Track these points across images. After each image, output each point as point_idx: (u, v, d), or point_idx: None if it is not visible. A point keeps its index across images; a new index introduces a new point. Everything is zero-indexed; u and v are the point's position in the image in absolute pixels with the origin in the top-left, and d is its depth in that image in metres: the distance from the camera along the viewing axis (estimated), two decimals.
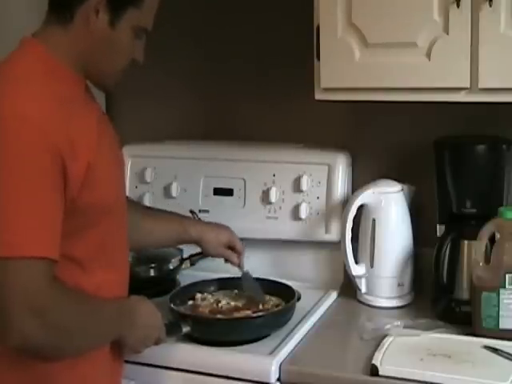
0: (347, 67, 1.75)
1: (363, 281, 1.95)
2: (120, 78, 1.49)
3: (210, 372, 1.63)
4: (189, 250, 2.06)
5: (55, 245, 1.31)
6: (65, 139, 1.32)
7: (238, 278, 1.91)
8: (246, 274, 1.88)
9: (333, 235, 2.02)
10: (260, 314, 1.76)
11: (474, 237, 1.72)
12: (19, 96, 1.32)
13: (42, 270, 1.29)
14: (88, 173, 1.36)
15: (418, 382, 1.50)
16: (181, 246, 2.02)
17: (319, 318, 1.86)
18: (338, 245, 1.96)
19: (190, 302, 1.86)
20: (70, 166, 1.32)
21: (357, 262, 1.94)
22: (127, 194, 2.13)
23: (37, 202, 1.29)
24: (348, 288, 2.00)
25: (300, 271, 2.07)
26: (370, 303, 1.94)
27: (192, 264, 2.06)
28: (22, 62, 1.39)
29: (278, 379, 1.61)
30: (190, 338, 1.69)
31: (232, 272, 2.03)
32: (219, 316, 1.77)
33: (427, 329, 1.72)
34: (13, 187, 1.28)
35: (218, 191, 2.13)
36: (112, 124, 1.56)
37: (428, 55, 1.68)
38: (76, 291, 1.39)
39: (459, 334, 1.70)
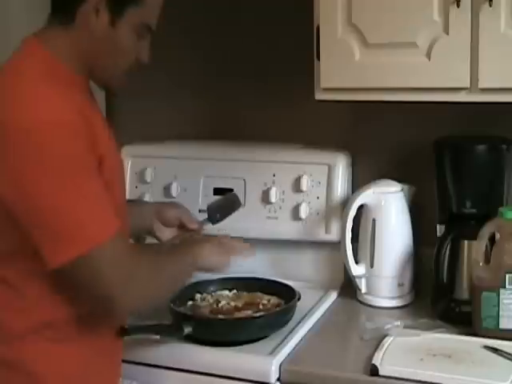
0: (347, 67, 1.75)
1: (363, 281, 1.95)
2: (125, 80, 1.48)
3: (210, 372, 1.63)
4: None
5: (115, 219, 1.36)
6: (92, 138, 1.35)
7: (238, 279, 1.92)
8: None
9: (333, 235, 2.02)
10: (260, 314, 1.76)
11: (473, 237, 1.72)
12: (39, 100, 1.31)
13: (117, 245, 1.34)
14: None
15: (418, 381, 1.50)
16: None
17: (319, 318, 1.86)
18: (338, 245, 1.96)
19: (190, 303, 1.86)
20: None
21: (357, 262, 1.94)
22: (127, 194, 2.14)
23: (91, 192, 1.33)
24: (348, 288, 2.00)
25: (300, 271, 2.07)
26: (370, 303, 1.94)
27: None
28: (27, 65, 1.38)
29: (278, 379, 1.61)
30: (191, 339, 1.69)
31: (231, 272, 2.03)
32: (220, 316, 1.77)
33: (427, 329, 1.72)
34: (60, 185, 1.29)
35: (218, 191, 2.13)
36: (112, 124, 1.55)
37: (428, 55, 1.68)
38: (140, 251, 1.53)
39: (459, 334, 1.70)
